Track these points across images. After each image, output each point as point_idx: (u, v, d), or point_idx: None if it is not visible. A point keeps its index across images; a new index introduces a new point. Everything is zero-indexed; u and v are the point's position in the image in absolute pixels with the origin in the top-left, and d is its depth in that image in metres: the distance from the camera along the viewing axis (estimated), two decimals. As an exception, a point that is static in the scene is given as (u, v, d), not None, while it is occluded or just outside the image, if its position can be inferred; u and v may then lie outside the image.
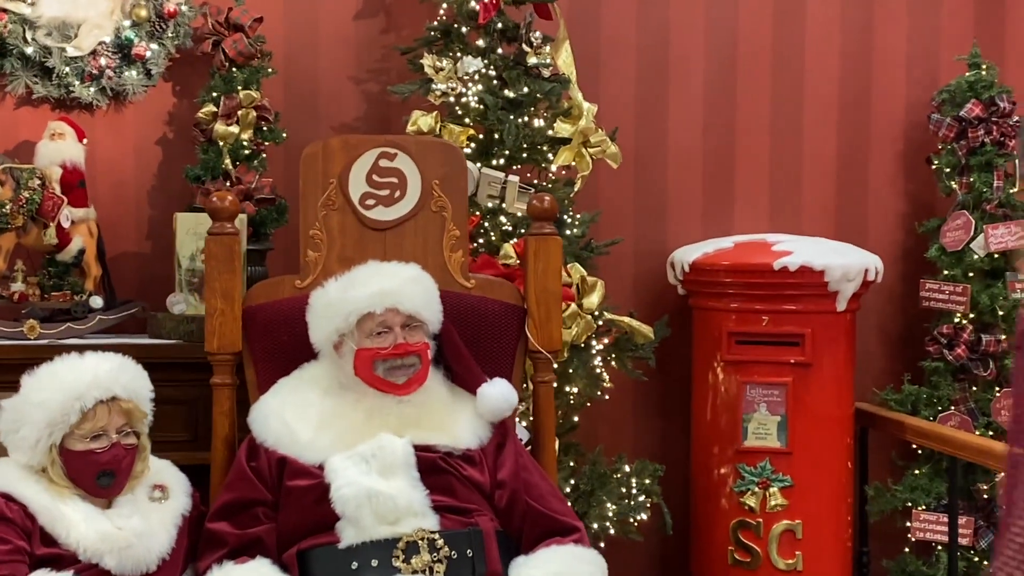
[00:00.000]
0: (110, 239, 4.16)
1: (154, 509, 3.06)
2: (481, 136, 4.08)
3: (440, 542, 3.02)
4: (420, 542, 3.01)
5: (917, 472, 4.43)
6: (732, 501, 4.18)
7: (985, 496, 4.30)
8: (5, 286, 3.98)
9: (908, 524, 4.42)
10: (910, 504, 4.39)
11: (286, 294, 3.41)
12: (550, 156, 4.14)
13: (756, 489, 4.12)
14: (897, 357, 4.70)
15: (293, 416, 3.19)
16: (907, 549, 4.50)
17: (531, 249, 3.45)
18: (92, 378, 3.03)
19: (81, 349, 3.45)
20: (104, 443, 3.01)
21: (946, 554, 4.39)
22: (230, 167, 4.10)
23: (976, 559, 4.26)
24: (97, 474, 3.00)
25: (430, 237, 3.45)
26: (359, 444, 3.11)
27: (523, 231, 4.03)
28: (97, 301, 4.05)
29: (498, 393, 3.22)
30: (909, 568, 4.43)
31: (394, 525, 3.02)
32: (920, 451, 4.49)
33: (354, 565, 2.99)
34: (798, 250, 4.14)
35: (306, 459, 3.12)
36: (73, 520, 2.95)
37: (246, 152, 4.13)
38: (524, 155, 4.12)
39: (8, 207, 3.88)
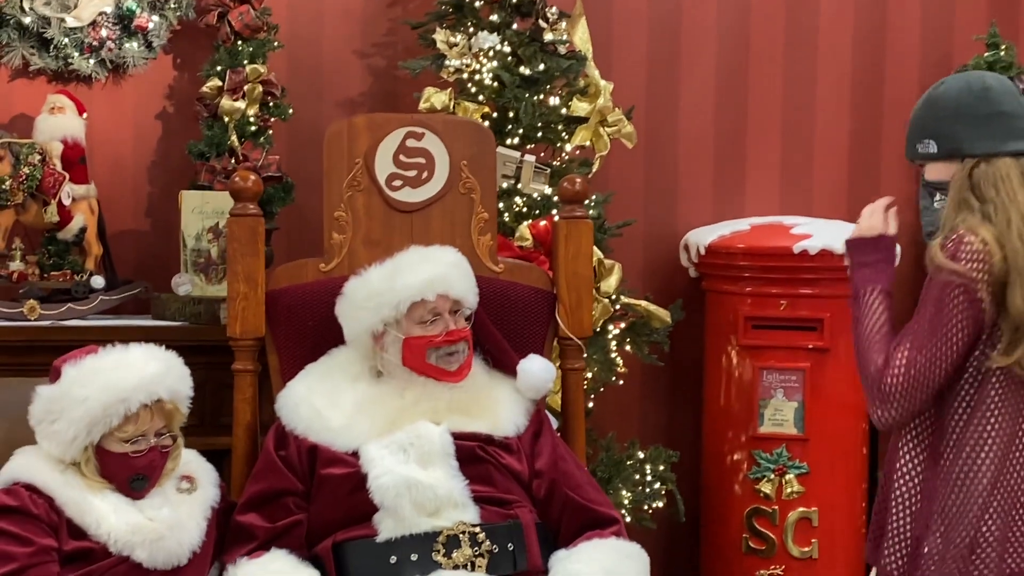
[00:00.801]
0: (108, 217, 4.04)
1: (183, 501, 2.95)
2: (495, 114, 3.99)
3: (481, 535, 2.94)
4: (461, 536, 2.93)
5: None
6: (746, 488, 4.13)
7: None
8: (3, 265, 3.87)
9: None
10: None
11: (310, 277, 3.30)
12: (565, 135, 4.06)
13: (772, 476, 4.08)
14: (911, 342, 4.65)
15: (324, 403, 3.09)
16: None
17: (561, 233, 3.36)
18: (138, 380, 2.90)
19: (90, 331, 3.35)
20: (142, 447, 2.90)
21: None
22: (236, 144, 3.99)
23: None
24: (131, 478, 2.90)
25: (458, 220, 3.36)
26: (395, 431, 3.01)
27: (538, 212, 3.96)
28: (98, 281, 3.94)
29: (538, 368, 3.16)
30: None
31: (434, 517, 2.93)
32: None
33: (393, 559, 2.91)
34: (817, 233, 4.09)
35: (339, 446, 3.03)
36: (103, 511, 2.84)
37: (252, 128, 4.02)
38: (539, 134, 4.04)
39: (7, 183, 3.77)
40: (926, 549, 2.61)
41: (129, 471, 2.89)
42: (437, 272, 3.10)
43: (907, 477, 2.66)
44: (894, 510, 2.67)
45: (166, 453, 2.94)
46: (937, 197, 2.73)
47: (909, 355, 2.59)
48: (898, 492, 2.67)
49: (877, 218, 2.75)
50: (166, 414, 2.93)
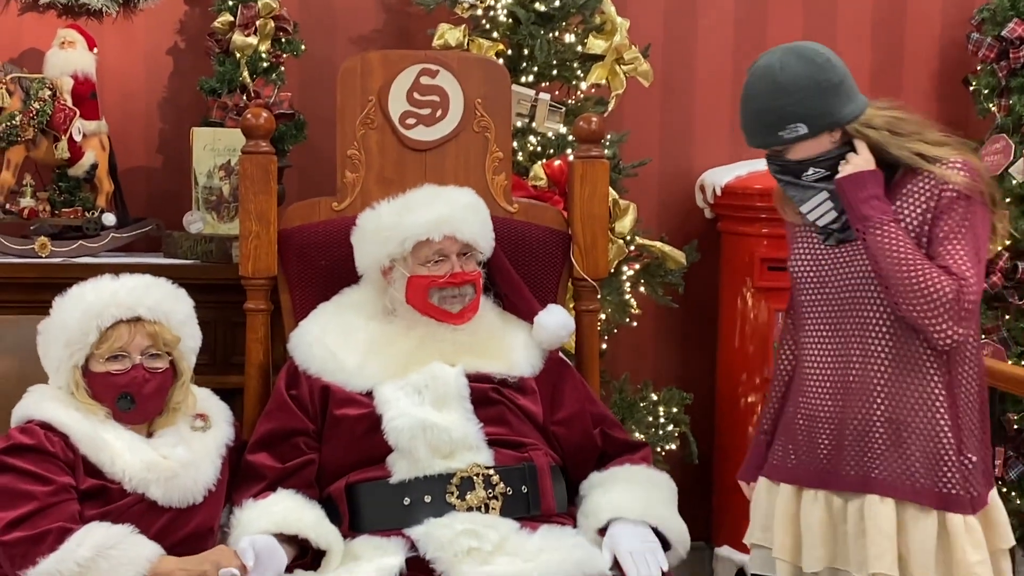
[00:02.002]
0: (119, 154, 4.02)
1: (197, 439, 2.93)
2: (510, 52, 3.94)
3: (495, 478, 2.92)
4: (475, 478, 2.91)
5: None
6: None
7: (1016, 426, 4.23)
8: (14, 202, 3.85)
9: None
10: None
11: (323, 216, 3.27)
12: (580, 73, 4.01)
13: (786, 418, 4.03)
14: (930, 282, 4.62)
15: (337, 342, 3.06)
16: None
17: (577, 173, 3.32)
18: (110, 296, 2.89)
19: (102, 269, 3.31)
20: (124, 365, 2.86)
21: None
22: (248, 80, 3.94)
23: (1005, 490, 4.20)
24: (116, 397, 2.86)
25: (472, 159, 3.32)
26: (410, 372, 2.99)
27: (552, 152, 3.91)
28: (110, 218, 3.92)
29: (556, 322, 3.11)
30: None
31: (448, 459, 2.92)
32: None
33: (406, 501, 2.89)
34: (835, 174, 4.02)
35: (353, 387, 3.01)
36: (117, 449, 2.81)
37: (264, 65, 3.97)
38: (554, 72, 3.99)
39: (18, 119, 3.75)
40: (972, 464, 2.74)
41: (113, 390, 2.85)
42: (446, 213, 3.06)
43: (948, 403, 2.74)
44: (944, 434, 2.72)
45: (157, 375, 2.88)
46: (810, 171, 2.77)
47: (976, 270, 2.68)
48: (945, 417, 2.73)
49: (867, 153, 2.74)
50: (150, 334, 2.88)
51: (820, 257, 2.83)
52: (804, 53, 2.74)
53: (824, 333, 2.83)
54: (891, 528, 2.72)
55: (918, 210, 2.72)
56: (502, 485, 2.92)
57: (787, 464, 2.87)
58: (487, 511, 2.89)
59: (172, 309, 2.95)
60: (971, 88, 4.42)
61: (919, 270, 2.65)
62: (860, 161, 2.74)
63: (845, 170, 2.74)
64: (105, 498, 2.78)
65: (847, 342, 2.79)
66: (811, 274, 2.84)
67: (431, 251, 3.04)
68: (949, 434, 2.72)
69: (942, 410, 2.73)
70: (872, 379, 2.76)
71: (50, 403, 2.85)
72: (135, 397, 2.86)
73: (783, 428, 2.92)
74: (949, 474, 2.71)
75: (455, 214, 3.07)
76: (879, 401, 2.76)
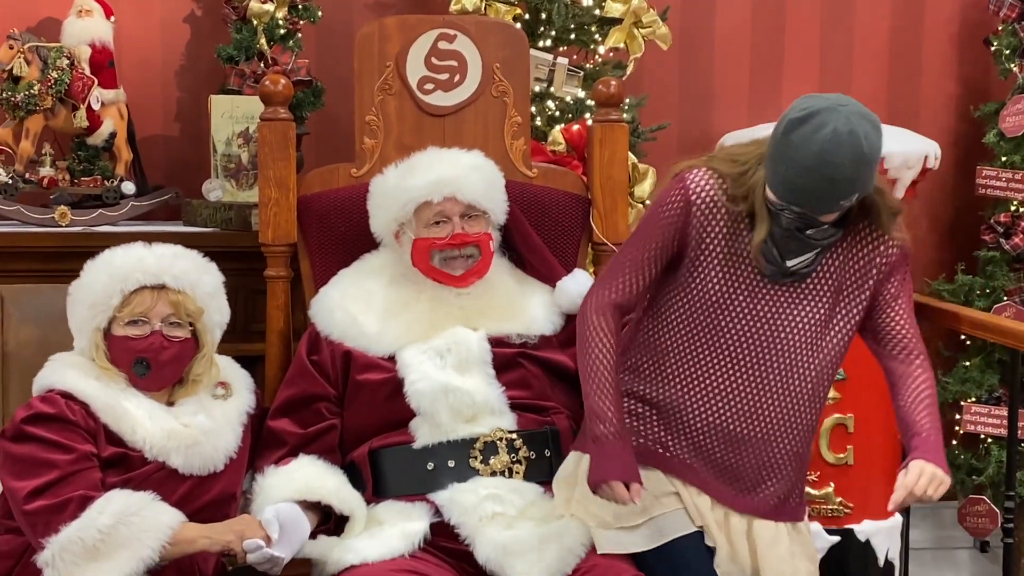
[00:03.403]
0: (137, 122, 4.01)
1: (218, 406, 2.93)
2: (527, 16, 3.92)
3: (519, 442, 2.92)
4: (498, 442, 2.91)
5: (968, 364, 4.35)
6: (782, 394, 4.08)
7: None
8: (34, 171, 3.84)
9: (957, 417, 4.36)
10: (959, 397, 4.33)
11: (342, 183, 3.26)
12: (598, 37, 3.99)
13: (808, 382, 4.02)
14: (949, 247, 4.62)
15: (357, 308, 3.06)
16: (954, 442, 4.44)
17: (596, 137, 3.30)
18: (137, 262, 2.89)
19: (121, 238, 3.32)
20: (144, 330, 2.87)
21: (995, 446, 4.33)
22: (265, 47, 3.93)
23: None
24: (132, 361, 2.86)
25: (491, 124, 3.30)
26: (432, 337, 2.99)
27: (571, 116, 3.89)
28: (129, 187, 3.91)
29: (580, 288, 3.08)
30: (957, 461, 4.38)
31: (471, 423, 2.91)
32: (970, 342, 4.41)
33: (430, 466, 2.89)
34: (855, 136, 3.98)
35: (374, 351, 3.00)
36: (138, 417, 2.82)
37: (281, 31, 3.96)
38: (572, 36, 3.97)
39: (36, 88, 3.74)
40: None
41: (130, 355, 2.85)
42: (447, 174, 3.04)
43: None
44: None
45: (175, 344, 2.87)
46: (825, 227, 2.65)
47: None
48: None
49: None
50: (172, 303, 2.88)
51: (757, 291, 2.72)
52: (875, 122, 2.57)
53: (740, 361, 2.75)
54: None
55: (865, 259, 2.76)
56: (525, 449, 2.92)
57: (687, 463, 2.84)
58: (510, 475, 2.89)
59: (199, 280, 2.94)
60: (992, 48, 4.39)
61: None
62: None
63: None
64: (126, 466, 2.79)
65: (766, 375, 2.75)
66: (744, 304, 2.73)
67: (432, 213, 3.03)
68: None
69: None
70: (792, 415, 2.79)
71: (71, 371, 2.84)
72: (151, 363, 2.86)
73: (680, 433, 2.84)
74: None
75: (457, 175, 3.05)
76: (797, 436, 2.82)
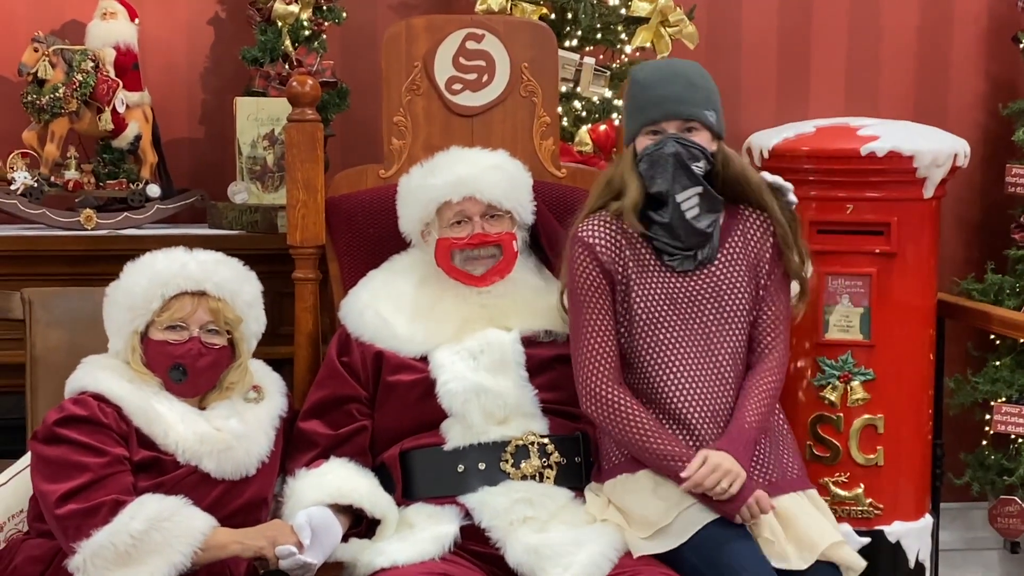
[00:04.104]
0: (162, 125, 4.01)
1: (250, 410, 2.92)
2: (553, 16, 3.90)
3: (551, 446, 2.90)
4: (530, 446, 2.89)
5: (998, 364, 4.32)
6: (811, 395, 4.04)
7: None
8: (59, 174, 3.84)
9: (987, 417, 4.33)
10: (989, 397, 4.30)
11: (370, 184, 3.26)
12: (625, 37, 3.98)
13: (837, 383, 3.99)
14: (978, 245, 4.58)
15: (387, 309, 3.05)
16: (984, 442, 4.41)
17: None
18: (180, 267, 2.89)
19: (147, 241, 3.32)
20: (182, 336, 2.86)
21: (1027, 447, 4.31)
22: (290, 49, 3.92)
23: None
24: (169, 367, 2.85)
25: (519, 124, 3.30)
26: (463, 337, 2.98)
27: (597, 116, 3.88)
28: (154, 189, 3.91)
29: None
30: (987, 461, 4.35)
31: (502, 425, 2.90)
32: (1000, 342, 4.38)
33: (460, 468, 2.88)
34: (885, 135, 3.95)
35: (406, 352, 3.00)
36: (170, 420, 2.81)
37: (306, 33, 3.95)
38: (598, 36, 3.96)
39: (61, 91, 3.74)
40: None
41: (168, 360, 2.84)
42: (466, 173, 3.03)
43: None
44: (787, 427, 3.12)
45: (213, 351, 2.87)
46: (702, 163, 2.88)
47: None
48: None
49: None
50: (212, 310, 2.87)
51: (673, 289, 2.90)
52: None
53: (693, 362, 2.89)
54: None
55: (757, 244, 2.97)
56: (557, 454, 2.90)
57: None
58: (541, 480, 2.88)
59: (239, 289, 2.94)
60: (1021, 46, 4.35)
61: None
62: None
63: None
64: (158, 469, 2.78)
65: (719, 365, 2.90)
66: (667, 308, 2.90)
67: (452, 213, 3.03)
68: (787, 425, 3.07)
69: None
70: (734, 386, 2.93)
71: (104, 373, 2.84)
72: (188, 369, 2.85)
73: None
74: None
75: (476, 174, 3.04)
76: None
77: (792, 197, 3.08)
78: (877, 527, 3.87)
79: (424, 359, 2.98)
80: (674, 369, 2.88)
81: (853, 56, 4.51)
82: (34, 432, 2.82)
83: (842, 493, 3.90)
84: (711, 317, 2.90)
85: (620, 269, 2.89)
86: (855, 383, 3.98)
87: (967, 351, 4.49)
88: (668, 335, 2.88)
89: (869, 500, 3.89)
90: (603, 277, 2.89)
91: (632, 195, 2.86)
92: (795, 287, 3.04)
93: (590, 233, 2.90)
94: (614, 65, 3.97)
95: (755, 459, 2.90)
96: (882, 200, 3.96)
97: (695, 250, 2.90)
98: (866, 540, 3.84)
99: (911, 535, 3.90)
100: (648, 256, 2.90)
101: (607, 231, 2.91)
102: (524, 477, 2.87)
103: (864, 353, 3.99)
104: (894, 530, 3.88)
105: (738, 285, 2.94)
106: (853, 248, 3.98)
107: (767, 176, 3.06)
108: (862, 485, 3.89)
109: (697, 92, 2.88)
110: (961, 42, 4.54)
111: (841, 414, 3.99)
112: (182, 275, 2.86)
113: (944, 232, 4.37)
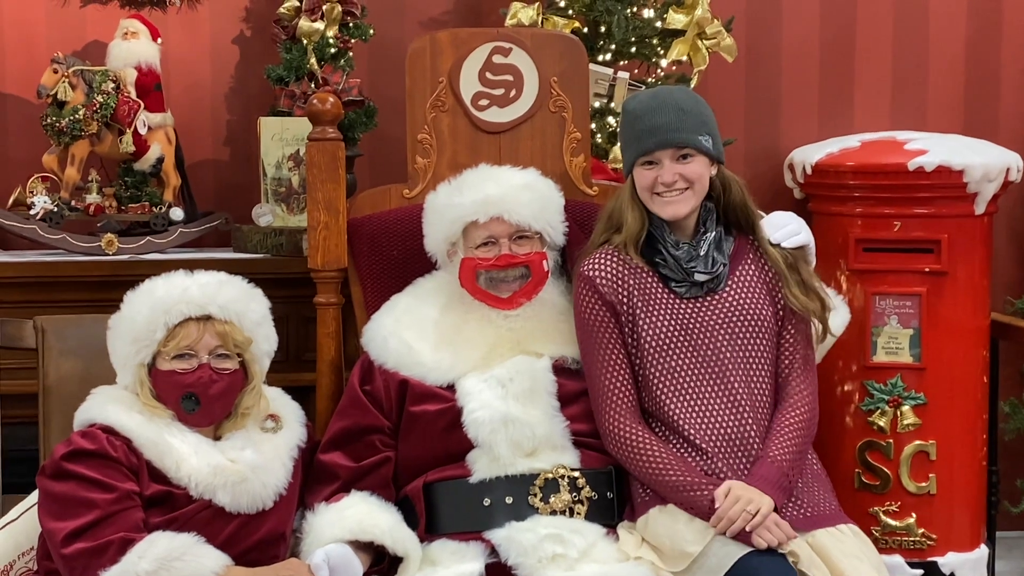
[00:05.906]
0: (186, 146, 3.95)
1: (267, 440, 2.81)
2: (585, 29, 3.83)
3: (581, 481, 2.78)
4: (560, 480, 2.77)
5: (1054, 386, 4.19)
6: (859, 420, 3.94)
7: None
8: (80, 198, 3.78)
9: (1045, 442, 4.20)
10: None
11: (394, 204, 3.16)
12: (660, 50, 3.88)
13: (886, 408, 3.88)
14: (1033, 263, 4.44)
15: (412, 335, 2.94)
16: (1039, 468, 4.29)
17: (659, 152, 3.16)
18: (181, 293, 2.78)
19: (170, 265, 3.22)
20: (191, 364, 2.75)
21: (1085, 473, 4.16)
22: (315, 67, 3.83)
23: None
24: (180, 397, 2.74)
25: (549, 140, 3.19)
26: (491, 363, 2.87)
27: (633, 132, 3.76)
28: (177, 213, 3.84)
29: None
30: (1045, 488, 4.21)
31: (531, 458, 2.79)
32: (1055, 364, 4.24)
33: (486, 502, 2.76)
34: (933, 148, 3.84)
35: (432, 380, 2.89)
36: (183, 453, 2.70)
37: (332, 51, 3.87)
38: (633, 49, 3.87)
39: (81, 112, 3.69)
40: None
41: (178, 390, 2.73)
42: (494, 194, 2.93)
43: None
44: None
45: (225, 376, 2.76)
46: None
47: None
48: None
49: None
50: (219, 334, 2.76)
51: (682, 316, 2.86)
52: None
53: (705, 388, 2.83)
54: None
55: (772, 270, 2.93)
56: (588, 489, 2.79)
57: None
58: (571, 515, 2.76)
59: (245, 309, 2.83)
60: (1075, 55, 4.22)
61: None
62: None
63: None
64: (171, 504, 2.68)
65: (732, 391, 2.83)
66: (676, 335, 2.85)
67: (479, 234, 2.93)
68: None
69: None
70: (764, 420, 2.86)
71: (113, 406, 2.74)
72: (200, 398, 2.74)
73: None
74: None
75: (504, 194, 2.93)
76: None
77: (792, 241, 3.02)
78: (930, 558, 3.82)
79: (451, 387, 2.87)
80: (685, 395, 2.82)
81: (899, 67, 4.39)
82: (42, 467, 2.74)
83: (893, 523, 3.84)
84: (723, 343, 2.85)
85: (624, 299, 2.86)
86: (905, 408, 3.91)
87: (1022, 373, 4.33)
88: (678, 361, 2.83)
89: (921, 530, 3.84)
90: (606, 309, 2.86)
91: (631, 227, 2.86)
92: (818, 323, 2.96)
93: (591, 267, 2.89)
94: (649, 80, 3.88)
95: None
96: (931, 217, 3.89)
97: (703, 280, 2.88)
98: (919, 573, 3.81)
99: (966, 566, 3.84)
100: (654, 285, 2.87)
101: (608, 264, 2.88)
102: (553, 512, 2.75)
103: (914, 376, 3.91)
104: (948, 561, 3.82)
105: (752, 310, 2.88)
106: (901, 267, 3.91)
107: (763, 223, 3.02)
108: (914, 515, 3.83)
109: (688, 118, 2.84)
110: (1010, 52, 4.41)
111: (891, 440, 3.92)
112: (184, 300, 2.76)
113: (997, 249, 4.28)
